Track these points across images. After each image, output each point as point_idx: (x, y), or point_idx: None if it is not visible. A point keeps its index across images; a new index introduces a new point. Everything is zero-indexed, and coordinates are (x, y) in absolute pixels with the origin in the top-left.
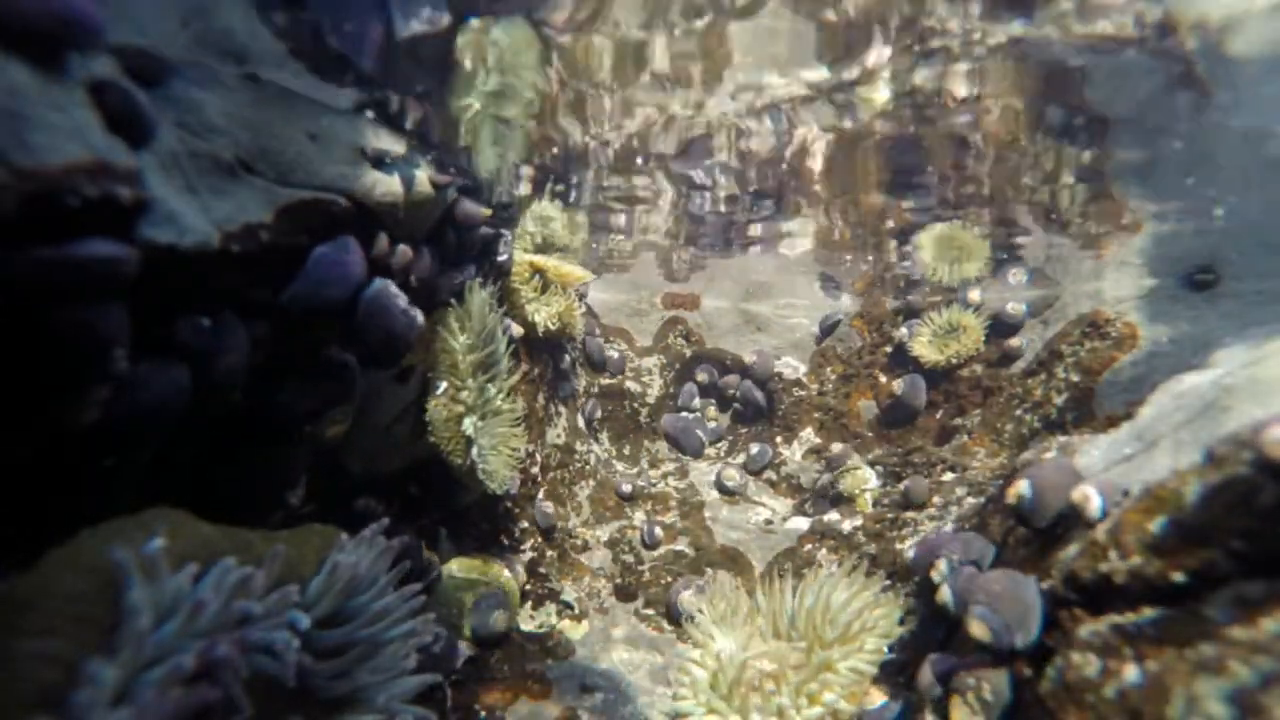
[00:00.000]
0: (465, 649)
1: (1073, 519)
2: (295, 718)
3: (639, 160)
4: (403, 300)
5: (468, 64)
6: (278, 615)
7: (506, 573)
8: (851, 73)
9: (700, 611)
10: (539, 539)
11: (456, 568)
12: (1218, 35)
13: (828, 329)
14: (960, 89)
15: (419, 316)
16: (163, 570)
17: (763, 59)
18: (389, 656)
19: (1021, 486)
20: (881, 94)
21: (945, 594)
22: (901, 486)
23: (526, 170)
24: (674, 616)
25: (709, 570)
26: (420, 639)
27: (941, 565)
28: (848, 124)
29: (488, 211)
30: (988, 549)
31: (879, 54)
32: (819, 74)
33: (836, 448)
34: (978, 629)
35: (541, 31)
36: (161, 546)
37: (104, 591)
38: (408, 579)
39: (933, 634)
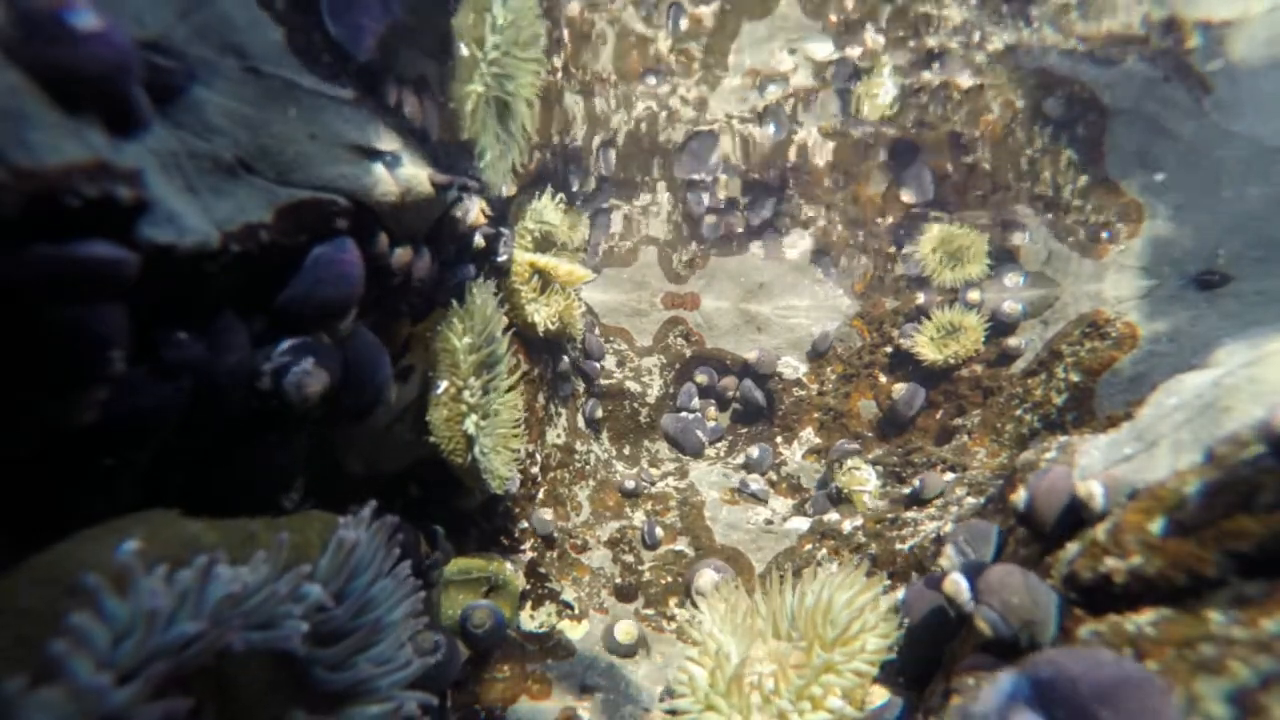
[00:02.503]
0: (464, 649)
1: (1077, 517)
2: (299, 712)
3: (640, 157)
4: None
5: (465, 49)
6: (288, 595)
7: (509, 568)
8: (854, 50)
9: (698, 610)
10: (538, 539)
11: (457, 568)
12: (1219, 34)
13: (822, 350)
14: (963, 83)
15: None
16: (137, 578)
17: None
18: (389, 644)
19: (1020, 494)
20: (885, 94)
21: (955, 583)
22: (917, 481)
23: (528, 167)
24: (691, 597)
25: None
26: (418, 628)
27: (949, 551)
28: (851, 130)
29: (483, 217)
30: (990, 530)
31: (874, 39)
32: (824, 48)
33: (838, 444)
34: (984, 628)
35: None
36: (135, 551)
37: (57, 608)
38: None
39: (932, 635)
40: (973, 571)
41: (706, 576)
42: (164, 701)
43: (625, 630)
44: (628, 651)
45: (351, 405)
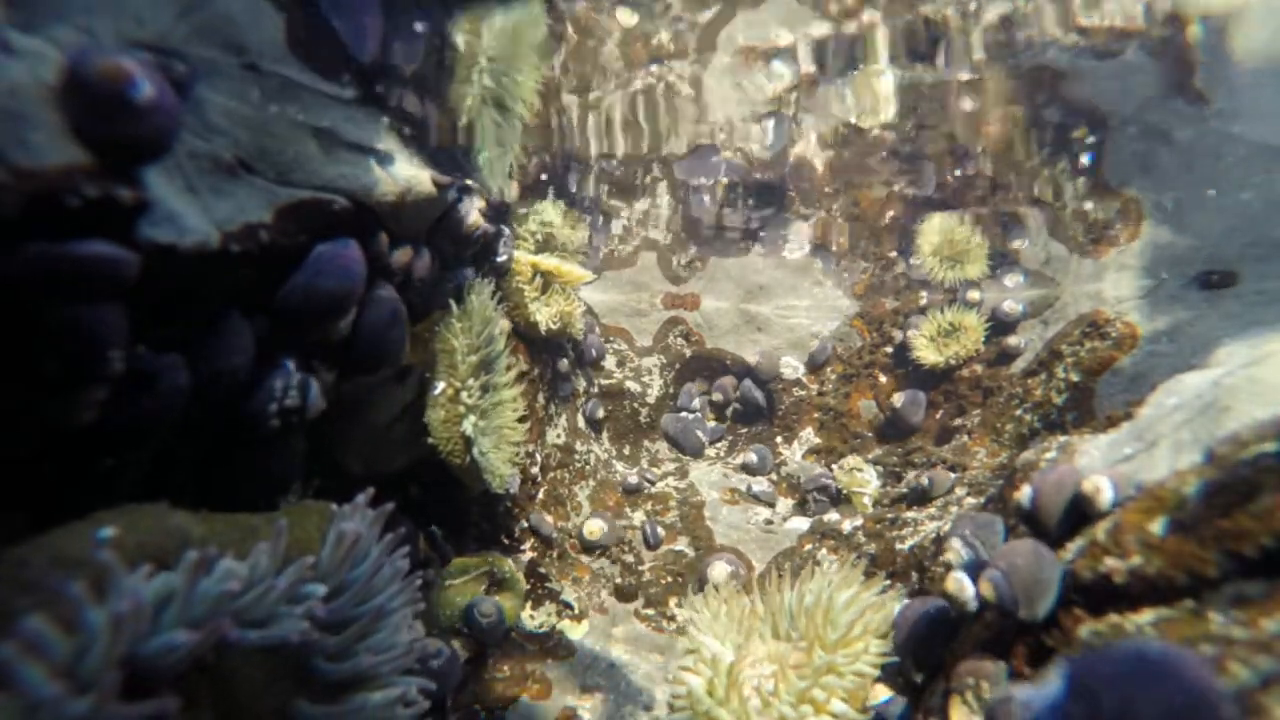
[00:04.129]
0: (463, 650)
1: (1080, 514)
2: (302, 702)
3: (641, 160)
4: None
5: (464, 50)
6: (288, 593)
7: (510, 563)
8: (849, 28)
9: (697, 610)
10: (538, 539)
11: (457, 568)
12: (1220, 31)
13: (820, 361)
14: (965, 104)
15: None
16: (118, 578)
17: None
18: (389, 631)
19: (1025, 490)
20: (885, 93)
21: (958, 581)
22: (925, 479)
23: (528, 168)
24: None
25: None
26: (418, 612)
27: (955, 544)
28: (849, 126)
29: (482, 218)
30: (996, 521)
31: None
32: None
33: (816, 469)
34: (986, 588)
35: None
36: (111, 540)
37: (17, 607)
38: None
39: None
40: (976, 570)
41: (719, 569)
42: (149, 702)
43: (590, 529)
44: (595, 547)
45: (363, 355)
